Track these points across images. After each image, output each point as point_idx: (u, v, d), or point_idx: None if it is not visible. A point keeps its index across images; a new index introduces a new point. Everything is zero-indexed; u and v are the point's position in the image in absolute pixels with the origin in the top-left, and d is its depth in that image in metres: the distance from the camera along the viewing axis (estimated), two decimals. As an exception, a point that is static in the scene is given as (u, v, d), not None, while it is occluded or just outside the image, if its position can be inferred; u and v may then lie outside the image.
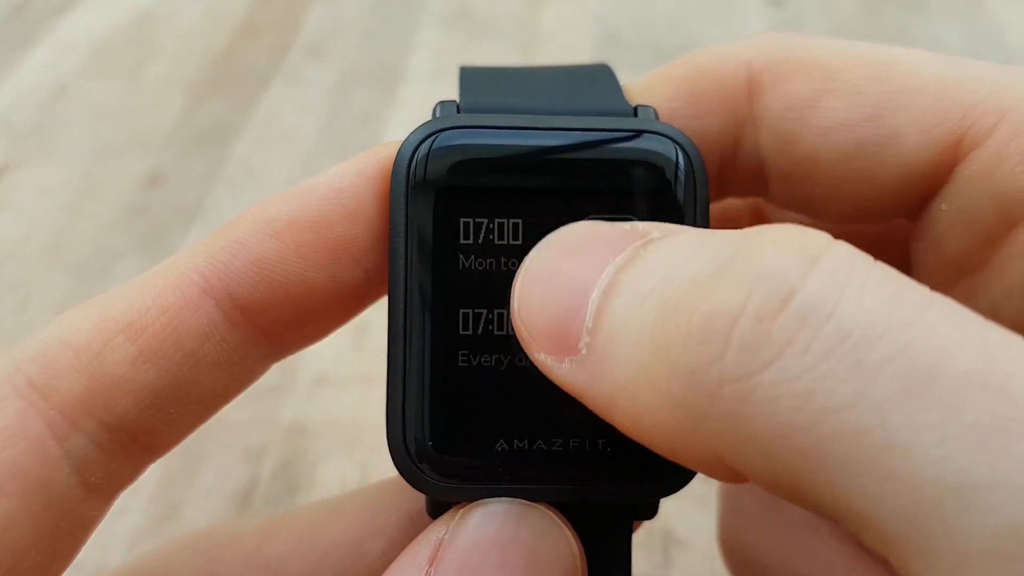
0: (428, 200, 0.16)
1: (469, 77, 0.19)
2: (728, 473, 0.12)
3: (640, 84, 0.19)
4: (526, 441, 0.16)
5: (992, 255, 0.17)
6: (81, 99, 0.53)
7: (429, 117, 0.17)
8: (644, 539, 0.32)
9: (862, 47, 0.18)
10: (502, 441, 0.16)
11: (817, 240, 0.12)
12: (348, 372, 0.37)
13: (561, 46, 0.58)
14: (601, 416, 0.14)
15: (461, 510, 0.16)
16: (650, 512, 0.17)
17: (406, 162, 0.16)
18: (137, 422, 0.16)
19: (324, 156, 0.49)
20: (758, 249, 0.12)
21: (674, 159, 0.16)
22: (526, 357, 0.15)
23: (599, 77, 0.19)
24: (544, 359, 0.14)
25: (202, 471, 0.34)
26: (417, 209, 0.16)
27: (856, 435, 0.10)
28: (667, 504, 0.34)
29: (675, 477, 0.16)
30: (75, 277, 0.42)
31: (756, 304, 0.11)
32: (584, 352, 0.13)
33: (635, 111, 0.18)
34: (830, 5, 0.61)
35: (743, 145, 0.18)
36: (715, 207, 0.21)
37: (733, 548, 0.22)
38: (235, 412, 0.37)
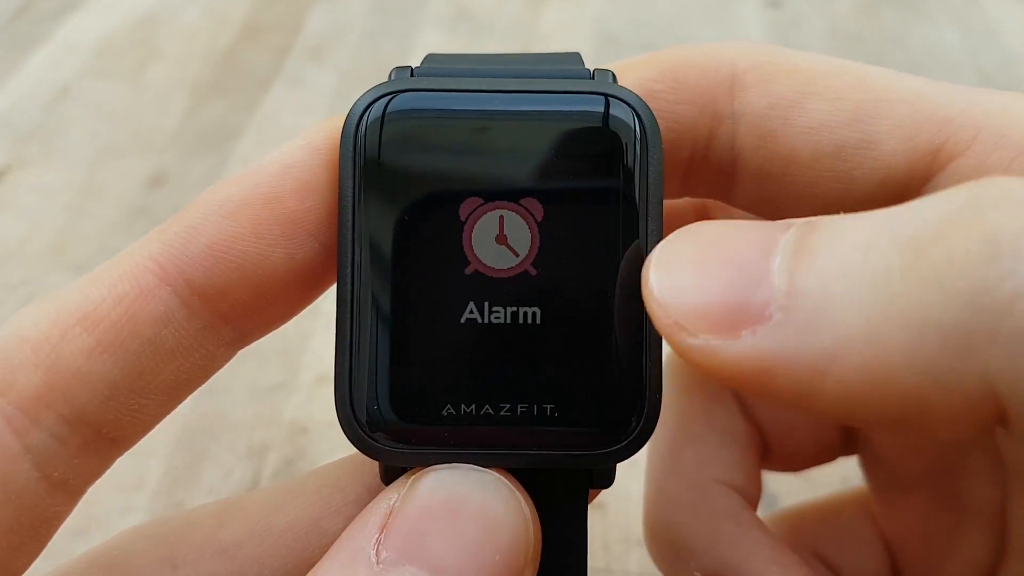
0: (376, 163, 0.16)
1: (433, 57, 0.18)
2: (982, 417, 0.12)
3: (623, 64, 0.19)
4: (473, 406, 0.16)
5: None
6: (83, 100, 0.54)
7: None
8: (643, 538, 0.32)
9: (839, 61, 0.18)
10: (449, 406, 0.16)
11: None
12: (349, 372, 0.37)
13: (560, 47, 0.58)
14: (799, 389, 0.13)
15: (412, 477, 0.16)
16: (606, 479, 0.17)
17: (354, 126, 0.16)
18: (98, 414, 0.16)
19: (325, 157, 0.49)
20: (1002, 185, 0.12)
21: (630, 121, 0.16)
22: (473, 320, 0.15)
23: (565, 58, 0.18)
24: (706, 341, 0.13)
25: (205, 470, 0.34)
26: (366, 173, 0.16)
27: None
28: (666, 503, 0.34)
29: (626, 442, 0.16)
30: (77, 277, 0.43)
31: None
32: (779, 316, 0.13)
33: (592, 75, 0.17)
34: (828, 6, 0.61)
35: (718, 139, 0.19)
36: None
37: (659, 534, 0.22)
38: (237, 411, 0.38)
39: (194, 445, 0.35)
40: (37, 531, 0.16)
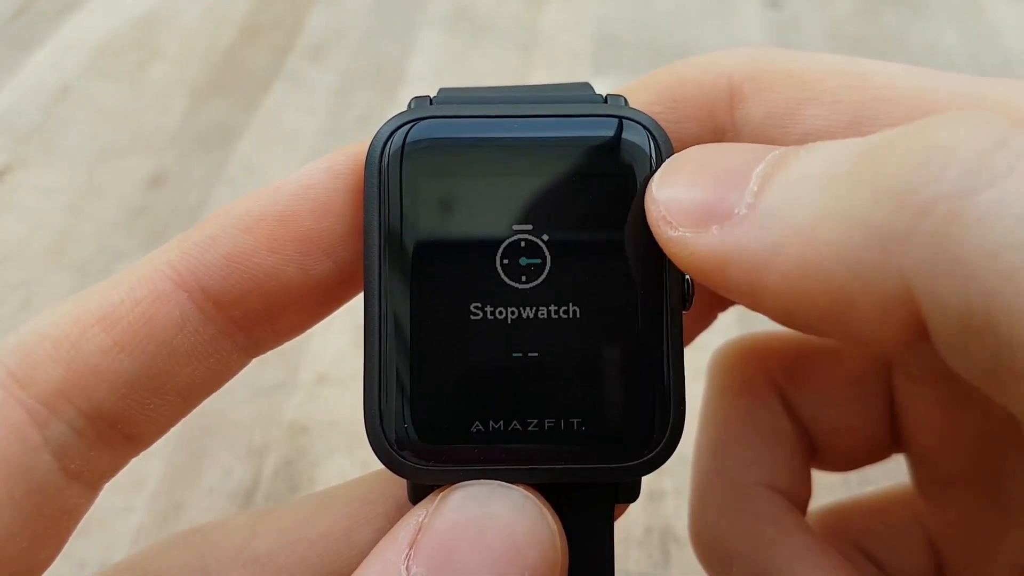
0: (399, 189, 0.17)
1: (447, 90, 0.19)
2: (902, 319, 0.12)
3: (622, 89, 0.19)
4: (501, 422, 0.16)
5: None
6: (83, 100, 0.54)
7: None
8: (643, 537, 0.32)
9: (839, 59, 0.18)
10: (478, 423, 0.16)
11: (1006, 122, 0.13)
12: (349, 371, 0.37)
13: (561, 47, 0.58)
14: (750, 280, 0.14)
15: (440, 494, 0.16)
16: (631, 494, 0.18)
17: (379, 152, 0.17)
18: (115, 410, 0.16)
19: (325, 157, 0.50)
20: (956, 121, 0.13)
21: (644, 143, 0.17)
22: (501, 340, 0.16)
23: (575, 86, 0.19)
24: (681, 234, 0.15)
25: (205, 469, 0.35)
26: (391, 198, 0.17)
27: None
28: (667, 502, 0.34)
29: (651, 456, 0.17)
30: (77, 277, 0.43)
31: (975, 141, 0.12)
32: (743, 212, 0.14)
33: (605, 99, 0.18)
34: (828, 6, 0.61)
35: None
36: None
37: (702, 537, 0.22)
38: (237, 411, 0.38)
39: (194, 445, 0.35)
40: (59, 524, 0.17)
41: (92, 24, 0.60)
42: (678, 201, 0.15)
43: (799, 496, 0.22)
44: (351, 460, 0.35)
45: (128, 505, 0.33)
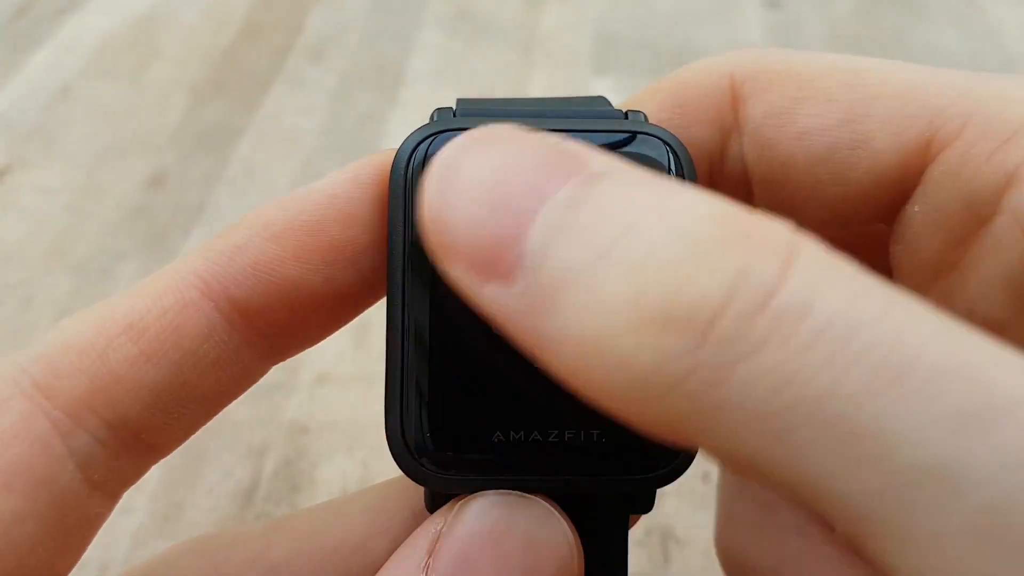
0: None
1: (465, 100, 0.19)
2: (682, 442, 0.12)
3: (630, 99, 0.20)
4: (522, 433, 0.16)
5: (964, 254, 0.17)
6: (83, 100, 0.54)
7: (428, 120, 0.18)
8: (643, 537, 0.32)
9: (836, 58, 0.18)
10: (499, 433, 0.16)
11: (791, 238, 0.12)
12: (349, 371, 0.37)
13: (561, 47, 0.58)
14: (528, 346, 0.13)
15: (459, 503, 0.16)
16: (646, 505, 0.18)
17: (404, 164, 0.17)
18: (139, 420, 0.16)
19: (325, 157, 0.50)
20: (737, 243, 0.12)
21: (664, 158, 0.17)
22: (520, 348, 0.16)
23: (593, 100, 0.19)
24: (462, 274, 0.13)
25: (205, 470, 0.35)
26: (415, 210, 0.17)
27: (831, 422, 0.11)
28: (667, 503, 0.34)
29: (669, 468, 0.17)
30: (78, 277, 0.43)
31: (738, 303, 0.11)
32: (519, 286, 0.13)
33: (625, 115, 0.18)
34: (828, 6, 0.61)
35: (729, 152, 0.19)
36: None
37: (728, 553, 0.22)
38: (237, 411, 0.38)
39: (194, 445, 0.35)
40: (80, 533, 0.17)
41: (92, 24, 0.60)
42: (451, 233, 0.13)
43: None
44: (351, 460, 0.35)
45: (128, 505, 0.33)
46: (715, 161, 0.19)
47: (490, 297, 0.13)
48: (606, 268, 0.12)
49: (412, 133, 0.17)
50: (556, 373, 0.13)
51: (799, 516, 0.21)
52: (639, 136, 0.17)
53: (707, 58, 0.19)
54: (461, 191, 0.13)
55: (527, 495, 0.16)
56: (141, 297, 0.17)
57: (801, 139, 0.18)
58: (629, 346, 0.12)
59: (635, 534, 0.32)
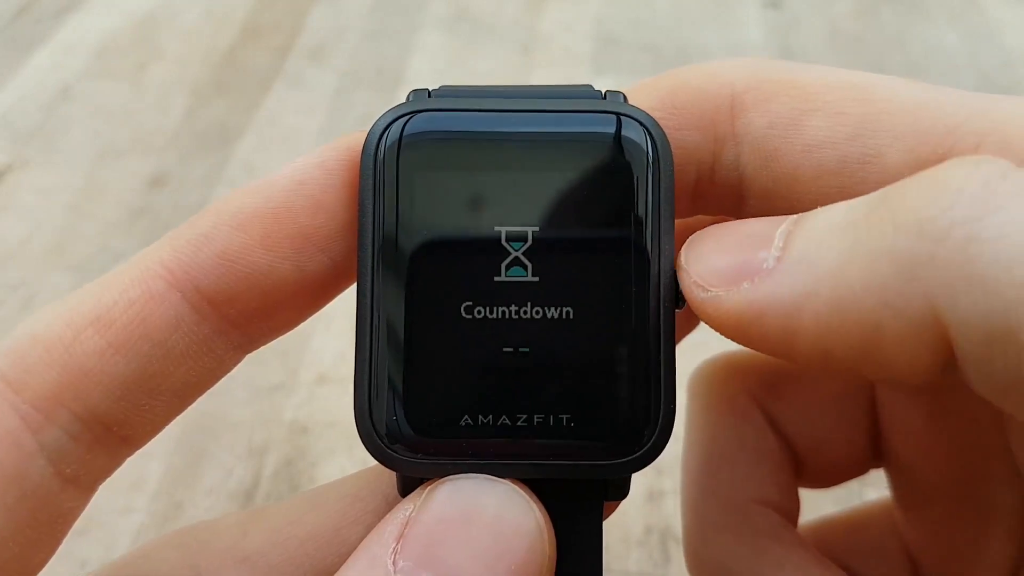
0: (396, 182, 0.17)
1: (446, 88, 0.19)
2: (930, 344, 0.13)
3: (626, 92, 0.19)
4: (491, 417, 0.16)
5: None
6: (84, 100, 0.54)
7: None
8: (643, 537, 0.32)
9: (840, 71, 0.18)
10: (467, 417, 0.16)
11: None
12: (349, 372, 0.37)
13: (560, 47, 0.58)
14: (785, 327, 0.15)
15: (428, 487, 0.16)
16: (620, 492, 0.17)
17: (374, 145, 0.17)
18: (110, 413, 0.16)
19: (325, 157, 0.50)
20: (968, 157, 0.14)
21: (641, 139, 0.17)
22: (493, 334, 0.16)
23: (575, 88, 0.19)
24: (714, 295, 0.15)
25: (205, 470, 0.35)
26: (386, 191, 0.17)
27: None
28: (667, 503, 0.34)
29: (640, 454, 0.17)
30: (78, 277, 0.43)
31: (981, 175, 0.13)
32: (770, 265, 0.15)
33: (604, 95, 0.18)
34: (828, 7, 0.61)
35: (722, 161, 0.19)
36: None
37: (700, 557, 0.22)
38: (237, 411, 0.38)
39: (194, 445, 0.35)
40: (53, 527, 0.17)
41: (92, 24, 0.60)
42: (708, 265, 0.16)
43: (790, 511, 0.22)
44: (351, 460, 0.35)
45: (128, 505, 0.33)
46: (704, 169, 0.19)
47: (740, 296, 0.15)
48: (848, 213, 0.15)
49: (385, 112, 0.17)
50: (812, 332, 0.14)
51: (771, 520, 0.21)
52: (617, 117, 0.17)
53: (709, 63, 0.19)
54: (711, 241, 0.17)
55: (496, 478, 0.16)
56: (108, 289, 0.17)
57: (808, 151, 0.18)
58: (889, 234, 0.14)
59: (635, 534, 0.32)
